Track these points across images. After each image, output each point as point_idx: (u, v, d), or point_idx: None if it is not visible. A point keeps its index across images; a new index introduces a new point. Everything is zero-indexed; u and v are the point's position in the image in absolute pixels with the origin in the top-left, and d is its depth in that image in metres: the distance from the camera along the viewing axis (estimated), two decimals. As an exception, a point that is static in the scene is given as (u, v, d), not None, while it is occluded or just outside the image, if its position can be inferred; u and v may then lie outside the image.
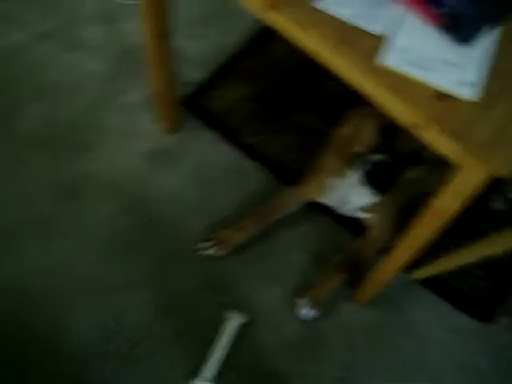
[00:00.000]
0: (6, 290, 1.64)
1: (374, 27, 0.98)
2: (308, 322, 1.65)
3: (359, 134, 1.45)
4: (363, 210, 1.62)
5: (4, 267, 1.67)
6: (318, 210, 1.78)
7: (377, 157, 1.35)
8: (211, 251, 1.70)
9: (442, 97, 0.94)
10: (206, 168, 1.86)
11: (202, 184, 1.84)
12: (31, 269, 1.67)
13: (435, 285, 1.73)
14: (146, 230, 1.75)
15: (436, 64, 0.96)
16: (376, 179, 1.39)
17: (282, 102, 1.96)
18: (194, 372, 1.55)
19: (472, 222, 1.78)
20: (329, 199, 1.66)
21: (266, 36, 2.05)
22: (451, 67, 0.96)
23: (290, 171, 1.84)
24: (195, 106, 1.94)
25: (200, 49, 2.08)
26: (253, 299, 1.68)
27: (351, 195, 1.59)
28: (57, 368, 1.55)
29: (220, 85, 1.98)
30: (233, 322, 1.62)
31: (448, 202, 1.05)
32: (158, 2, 1.37)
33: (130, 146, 1.88)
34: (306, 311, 1.64)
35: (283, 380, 1.59)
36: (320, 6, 0.99)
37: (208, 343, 1.59)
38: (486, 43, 1.00)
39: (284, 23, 1.01)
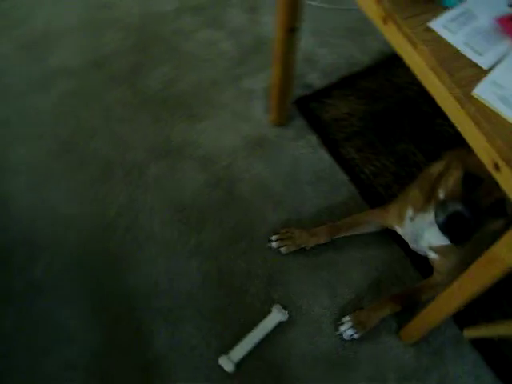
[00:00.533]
0: (84, 223, 1.79)
1: (477, 58, 0.98)
2: (345, 341, 1.64)
3: (446, 175, 1.43)
4: (434, 250, 1.59)
5: (87, 202, 1.82)
6: (393, 239, 1.77)
7: (454, 207, 1.32)
8: (275, 244, 1.74)
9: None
10: (300, 168, 1.91)
11: (291, 181, 1.89)
12: (111, 208, 1.81)
13: (482, 345, 1.65)
14: (225, 207, 1.83)
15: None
16: (451, 229, 1.36)
17: (391, 127, 1.97)
18: (223, 350, 1.60)
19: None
20: (404, 230, 1.65)
21: (392, 61, 2.07)
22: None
23: (376, 194, 1.84)
24: (307, 108, 2.00)
25: (330, 57, 2.15)
26: (301, 302, 1.69)
27: (425, 232, 1.56)
28: (104, 304, 1.67)
29: (336, 95, 2.02)
30: (275, 316, 1.65)
31: (506, 251, 1.03)
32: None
33: (236, 127, 1.98)
34: (345, 328, 1.63)
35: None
36: (432, 25, 1.01)
37: (244, 328, 1.63)
38: None
39: (394, 34, 1.04)
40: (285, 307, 1.67)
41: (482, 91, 0.93)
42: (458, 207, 1.31)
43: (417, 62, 1.01)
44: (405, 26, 1.01)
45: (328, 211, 1.83)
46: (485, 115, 0.93)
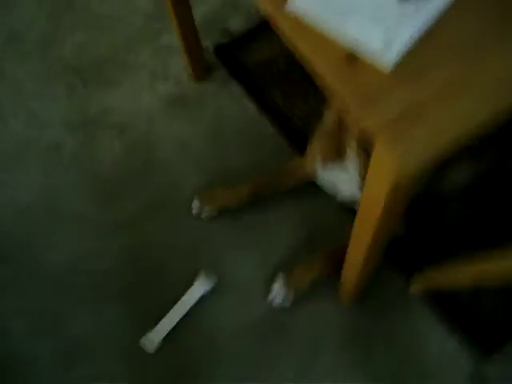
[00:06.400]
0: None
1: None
2: (277, 309, 1.48)
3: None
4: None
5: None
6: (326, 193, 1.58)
7: None
8: (195, 210, 1.59)
9: (353, 59, 0.75)
10: (223, 122, 1.74)
11: (214, 138, 1.72)
12: (27, 187, 1.70)
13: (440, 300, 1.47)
14: (144, 175, 1.69)
15: (357, 16, 0.76)
16: None
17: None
18: (148, 326, 1.48)
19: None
20: (321, 180, 1.47)
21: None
22: (375, 24, 0.76)
23: (306, 141, 1.64)
24: (229, 56, 1.82)
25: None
26: (228, 269, 1.55)
27: (339, 182, 1.39)
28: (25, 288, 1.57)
29: (260, 38, 1.82)
30: (198, 289, 1.51)
31: (375, 188, 0.86)
32: None
33: (154, 87, 1.82)
34: (275, 293, 1.47)
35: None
36: None
37: (167, 304, 1.50)
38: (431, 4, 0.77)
39: None
40: (210, 277, 1.52)
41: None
42: None
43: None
44: None
45: (255, 166, 1.66)
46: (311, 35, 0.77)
